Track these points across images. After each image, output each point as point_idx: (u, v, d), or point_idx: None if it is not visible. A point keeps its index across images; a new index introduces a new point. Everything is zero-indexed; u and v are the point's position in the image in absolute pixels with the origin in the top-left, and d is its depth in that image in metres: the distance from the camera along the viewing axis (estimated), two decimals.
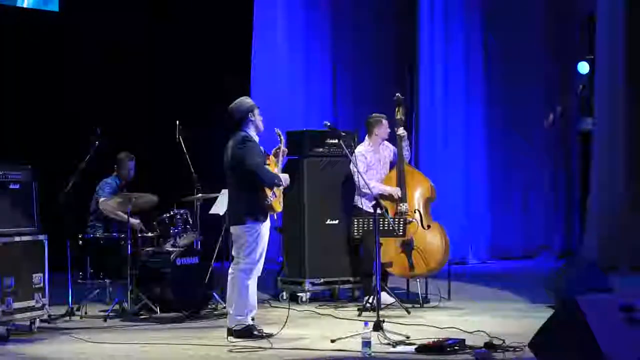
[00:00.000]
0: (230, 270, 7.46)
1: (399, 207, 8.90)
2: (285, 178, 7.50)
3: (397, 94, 9.39)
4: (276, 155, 7.69)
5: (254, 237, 7.34)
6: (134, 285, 8.60)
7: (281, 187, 7.48)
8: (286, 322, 7.51)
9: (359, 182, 8.82)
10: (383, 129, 9.14)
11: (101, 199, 9.03)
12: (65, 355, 6.94)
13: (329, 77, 14.00)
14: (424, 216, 9.02)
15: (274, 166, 7.56)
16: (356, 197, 9.11)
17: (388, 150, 9.21)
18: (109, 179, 9.22)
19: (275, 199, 7.41)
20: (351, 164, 8.74)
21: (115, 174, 9.28)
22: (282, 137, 7.76)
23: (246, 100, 7.55)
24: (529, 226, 14.19)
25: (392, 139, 9.23)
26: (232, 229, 7.47)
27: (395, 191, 8.99)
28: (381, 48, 14.26)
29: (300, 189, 9.50)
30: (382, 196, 8.79)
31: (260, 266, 7.44)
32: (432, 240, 8.98)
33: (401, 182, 9.02)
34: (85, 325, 8.20)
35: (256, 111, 7.49)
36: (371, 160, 9.15)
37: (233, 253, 7.52)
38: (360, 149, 9.22)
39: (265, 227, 7.43)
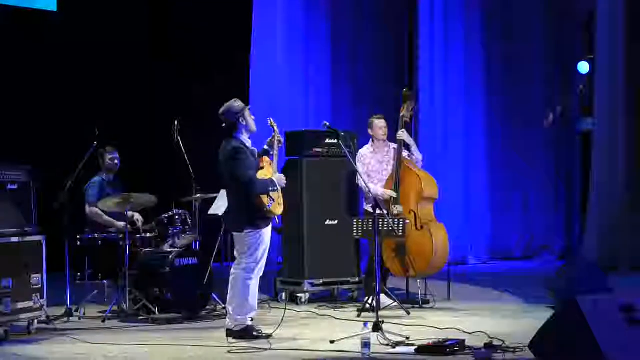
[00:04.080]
0: (232, 270, 7.42)
1: (393, 209, 8.85)
2: (279, 179, 7.44)
3: (404, 89, 9.35)
4: (271, 146, 7.63)
5: (256, 239, 7.33)
6: (132, 286, 8.58)
7: (278, 190, 7.44)
8: (281, 322, 7.48)
9: (360, 184, 8.81)
10: (375, 129, 9.12)
11: (91, 203, 9.02)
12: (64, 356, 6.92)
13: (328, 77, 13.99)
14: (418, 217, 8.97)
15: (269, 166, 7.51)
16: (364, 202, 9.12)
17: (393, 151, 9.16)
18: (95, 178, 9.19)
19: (274, 204, 7.36)
20: (357, 164, 8.74)
21: (101, 171, 9.25)
22: (275, 127, 7.68)
23: (235, 105, 7.42)
24: (529, 226, 14.19)
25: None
26: (235, 235, 7.45)
27: (388, 193, 8.94)
28: (381, 48, 14.26)
29: (300, 189, 9.48)
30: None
31: (262, 265, 7.42)
32: (421, 243, 8.89)
33: (396, 185, 8.98)
34: (83, 326, 8.18)
35: (246, 113, 7.39)
36: (370, 162, 9.12)
37: (235, 254, 7.49)
38: (361, 150, 9.22)
39: (266, 229, 7.41)
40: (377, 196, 8.68)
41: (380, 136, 9.11)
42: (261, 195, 7.26)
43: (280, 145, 7.69)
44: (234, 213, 7.44)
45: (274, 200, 7.35)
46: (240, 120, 7.37)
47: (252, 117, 7.46)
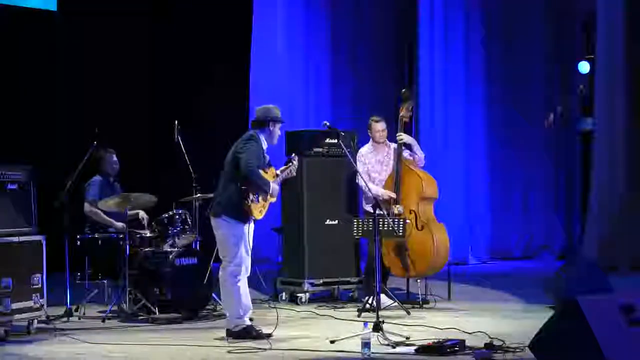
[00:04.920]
0: (220, 273, 7.44)
1: (393, 209, 8.85)
2: (274, 189, 7.45)
3: (403, 89, 9.36)
4: (282, 171, 7.67)
5: (237, 237, 7.31)
6: (132, 286, 8.57)
7: (268, 195, 7.42)
8: (277, 323, 7.50)
9: (359, 184, 8.82)
10: (373, 132, 9.13)
11: (90, 201, 9.02)
12: (63, 356, 6.91)
13: (329, 77, 13.99)
14: (419, 216, 8.97)
15: (271, 178, 7.50)
16: (363, 202, 9.13)
17: (393, 151, 9.15)
18: (95, 177, 9.19)
19: (257, 205, 7.33)
20: (356, 164, 8.76)
21: (100, 172, 9.25)
22: (294, 162, 7.76)
23: (274, 110, 7.55)
24: (529, 226, 14.19)
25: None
26: (212, 220, 7.43)
27: (388, 193, 8.94)
28: (381, 48, 14.26)
29: (300, 189, 9.47)
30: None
31: (247, 265, 7.41)
32: (422, 243, 8.90)
33: (397, 185, 8.98)
34: (83, 326, 8.18)
35: (278, 125, 7.52)
36: (370, 162, 9.13)
37: (220, 255, 7.49)
38: (361, 149, 9.23)
39: (246, 227, 7.38)
40: (377, 196, 8.68)
41: (377, 139, 9.12)
42: (250, 191, 7.26)
43: (289, 175, 7.74)
44: (219, 196, 7.43)
45: (258, 201, 7.34)
46: (270, 125, 7.46)
47: (279, 132, 7.57)
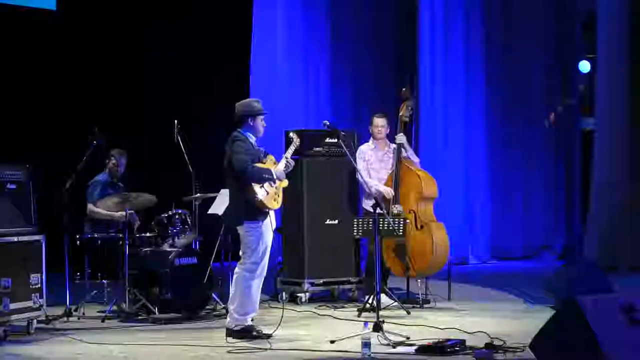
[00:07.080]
0: (236, 270, 7.45)
1: (392, 209, 8.85)
2: (278, 172, 7.45)
3: (403, 89, 9.37)
4: (290, 155, 7.67)
5: (255, 236, 7.32)
6: (132, 286, 8.57)
7: (276, 184, 7.43)
8: (280, 322, 7.47)
9: (359, 180, 8.83)
10: (373, 126, 9.15)
11: (91, 201, 9.02)
12: (63, 356, 6.91)
13: (329, 76, 13.97)
14: (419, 216, 8.97)
15: (271, 164, 7.50)
16: (364, 200, 9.13)
17: (393, 151, 9.15)
18: (98, 176, 9.20)
19: (268, 197, 7.34)
20: (357, 160, 8.76)
21: (105, 170, 9.27)
22: (294, 140, 7.83)
23: (252, 104, 7.55)
24: (529, 226, 14.19)
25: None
26: (238, 228, 7.46)
27: (388, 191, 8.95)
28: (381, 48, 14.25)
29: (300, 189, 9.47)
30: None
31: (264, 265, 7.42)
32: (422, 243, 8.90)
33: (396, 185, 8.98)
34: (83, 326, 8.18)
35: (258, 118, 7.48)
36: (370, 159, 9.14)
37: (240, 253, 7.50)
38: (362, 146, 9.23)
39: (266, 226, 7.39)
40: (377, 193, 8.68)
41: (375, 134, 9.14)
42: (253, 185, 7.26)
43: (296, 147, 7.81)
44: (232, 207, 7.47)
45: (268, 193, 7.33)
46: (249, 120, 7.45)
47: (264, 124, 7.54)
